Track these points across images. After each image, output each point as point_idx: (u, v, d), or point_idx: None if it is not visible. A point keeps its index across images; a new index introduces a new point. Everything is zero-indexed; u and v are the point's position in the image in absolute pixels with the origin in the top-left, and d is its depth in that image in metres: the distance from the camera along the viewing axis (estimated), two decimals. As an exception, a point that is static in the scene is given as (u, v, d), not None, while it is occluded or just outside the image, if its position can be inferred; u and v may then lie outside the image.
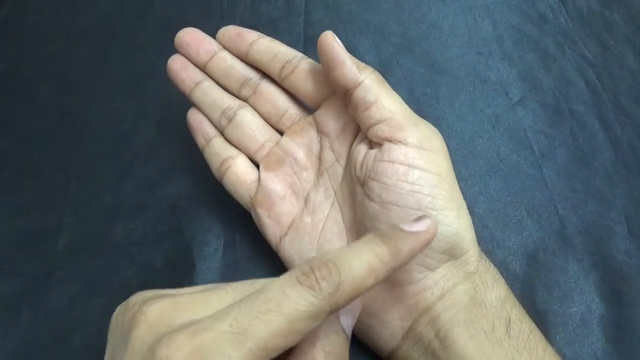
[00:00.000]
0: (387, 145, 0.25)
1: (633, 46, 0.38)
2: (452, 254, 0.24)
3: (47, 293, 0.31)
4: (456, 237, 0.24)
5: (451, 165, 0.25)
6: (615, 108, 0.36)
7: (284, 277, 0.19)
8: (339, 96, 0.27)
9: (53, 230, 0.33)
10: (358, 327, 0.23)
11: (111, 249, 0.32)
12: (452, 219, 0.24)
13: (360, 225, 0.26)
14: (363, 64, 0.26)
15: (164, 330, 0.18)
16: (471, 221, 0.25)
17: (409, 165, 0.24)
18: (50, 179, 0.35)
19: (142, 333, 0.19)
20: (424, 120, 0.26)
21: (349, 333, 0.21)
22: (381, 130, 0.25)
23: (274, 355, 0.18)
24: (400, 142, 0.24)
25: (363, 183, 0.25)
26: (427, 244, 0.21)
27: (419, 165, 0.24)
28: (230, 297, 0.20)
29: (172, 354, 0.17)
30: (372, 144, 0.26)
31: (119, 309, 0.22)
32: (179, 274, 0.31)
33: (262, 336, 0.17)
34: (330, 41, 0.26)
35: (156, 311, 0.19)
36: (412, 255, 0.21)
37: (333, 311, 0.19)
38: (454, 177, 0.25)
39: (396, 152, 0.24)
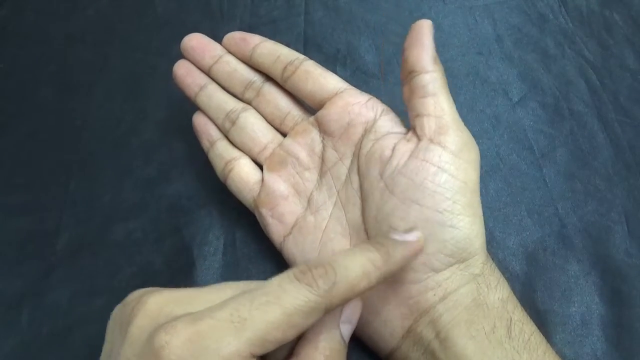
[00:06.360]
0: (425, 142, 0.25)
1: (633, 46, 0.38)
2: (459, 257, 0.24)
3: (47, 293, 0.31)
4: (466, 241, 0.24)
5: (478, 177, 0.26)
6: (615, 108, 0.36)
7: (282, 275, 0.19)
8: (402, 75, 0.27)
9: (53, 230, 0.33)
10: (358, 325, 0.23)
11: (111, 249, 0.32)
12: (466, 224, 0.24)
13: (371, 221, 0.26)
14: (438, 61, 0.26)
15: (164, 320, 0.19)
16: (484, 230, 0.25)
17: (439, 168, 0.24)
18: (50, 179, 0.35)
19: (142, 323, 0.19)
20: (467, 130, 0.26)
21: (347, 341, 0.22)
22: (428, 125, 0.25)
23: (271, 348, 0.18)
24: (439, 144, 0.25)
25: (389, 177, 0.25)
26: (416, 253, 0.23)
27: (449, 170, 0.24)
28: (229, 293, 0.20)
29: (172, 339, 0.17)
30: (410, 136, 0.26)
31: (117, 308, 0.22)
32: (179, 274, 0.31)
33: (261, 326, 0.18)
34: (425, 26, 0.26)
35: (156, 302, 0.20)
36: (403, 263, 0.22)
37: (327, 310, 0.20)
38: (478, 189, 0.25)
39: (432, 152, 0.25)
